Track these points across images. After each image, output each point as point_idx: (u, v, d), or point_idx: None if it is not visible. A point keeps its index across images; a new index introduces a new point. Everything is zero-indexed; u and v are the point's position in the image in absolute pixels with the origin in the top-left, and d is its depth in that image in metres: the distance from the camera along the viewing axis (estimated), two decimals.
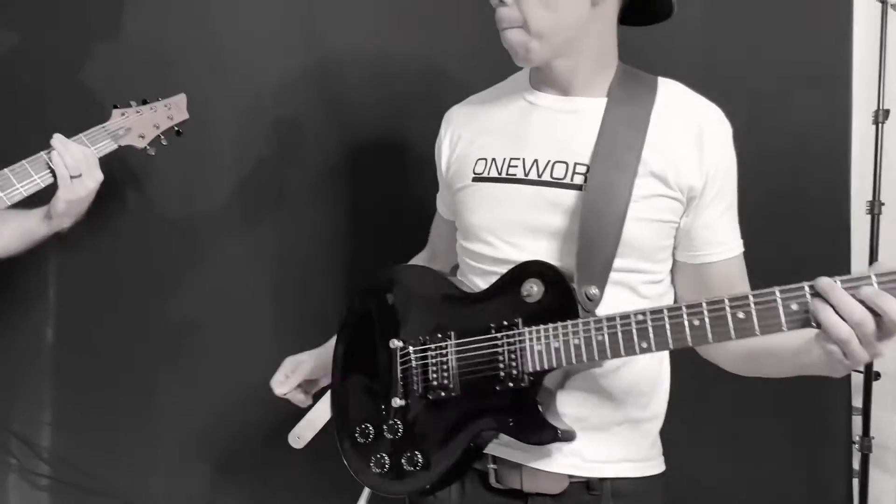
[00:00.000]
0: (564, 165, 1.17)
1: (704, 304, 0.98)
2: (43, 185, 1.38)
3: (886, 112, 1.88)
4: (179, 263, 1.96)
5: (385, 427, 1.23)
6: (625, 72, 1.23)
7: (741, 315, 0.95)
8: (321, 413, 1.44)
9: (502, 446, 1.19)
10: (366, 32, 1.87)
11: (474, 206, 1.25)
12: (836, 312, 0.91)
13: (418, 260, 1.51)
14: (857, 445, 1.88)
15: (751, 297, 0.94)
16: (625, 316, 1.03)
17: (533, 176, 1.19)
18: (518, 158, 1.21)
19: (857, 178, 1.87)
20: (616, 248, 1.13)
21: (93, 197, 1.41)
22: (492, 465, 1.20)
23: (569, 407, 1.16)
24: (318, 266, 1.95)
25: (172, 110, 1.54)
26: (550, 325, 1.10)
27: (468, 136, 1.30)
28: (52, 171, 1.37)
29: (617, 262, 1.14)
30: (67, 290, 1.97)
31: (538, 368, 1.10)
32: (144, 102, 1.53)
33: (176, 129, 1.56)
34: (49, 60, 1.88)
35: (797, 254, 1.78)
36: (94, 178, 1.39)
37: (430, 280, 1.29)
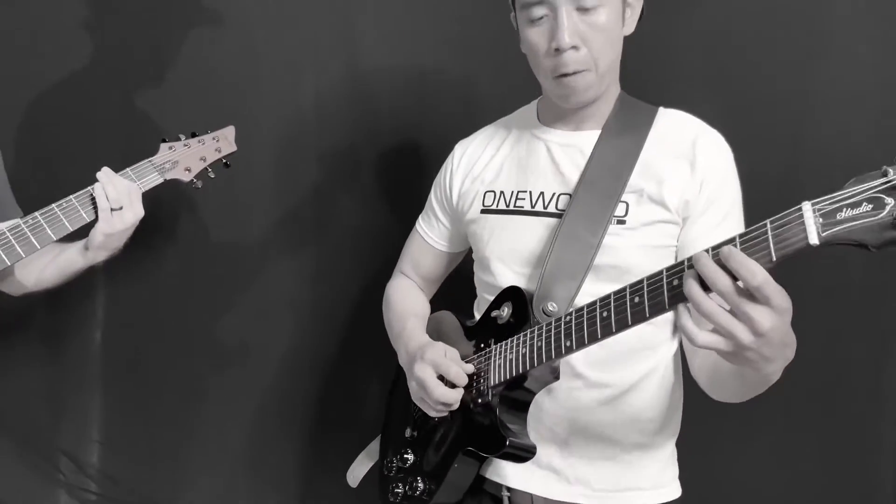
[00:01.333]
0: (568, 197, 1.21)
1: (612, 294, 0.98)
2: (88, 220, 1.38)
3: None
4: (223, 283, 1.98)
5: (398, 458, 1.32)
6: (624, 102, 1.25)
7: (636, 299, 0.93)
8: (372, 453, 1.46)
9: (515, 475, 1.22)
10: (403, 50, 1.87)
11: (486, 237, 1.28)
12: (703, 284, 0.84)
13: (412, 290, 1.50)
14: None
15: (645, 281, 0.92)
16: (557, 320, 1.08)
17: (539, 208, 1.23)
18: (525, 191, 1.25)
19: None
20: (586, 271, 1.16)
21: (131, 232, 1.41)
22: (506, 493, 1.23)
23: (574, 435, 1.19)
24: (356, 284, 1.95)
25: (220, 143, 1.52)
26: (507, 340, 1.16)
27: (477, 169, 1.34)
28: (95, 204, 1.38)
29: (603, 286, 1.12)
30: (114, 311, 1.99)
31: (500, 380, 1.15)
32: (194, 135, 1.51)
33: (224, 161, 1.54)
34: (96, 94, 1.90)
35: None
36: (134, 213, 1.38)
37: (448, 319, 1.38)
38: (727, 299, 0.81)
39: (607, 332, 0.98)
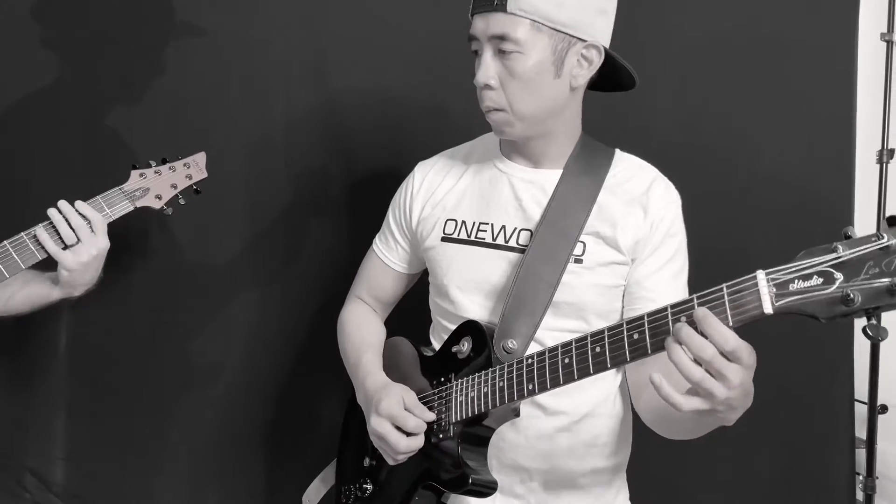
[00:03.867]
0: (529, 233, 1.25)
1: (574, 342, 1.01)
2: (40, 258, 1.36)
3: (891, 152, 1.89)
4: (188, 303, 1.95)
5: (356, 487, 1.35)
6: (584, 144, 1.29)
7: (598, 349, 0.96)
8: (328, 478, 1.48)
9: (474, 499, 1.23)
10: (372, 71, 1.88)
11: (446, 265, 1.31)
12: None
13: (367, 316, 1.50)
14: (860, 485, 1.90)
15: (606, 332, 0.95)
16: (520, 362, 1.10)
17: (500, 241, 1.26)
18: (487, 223, 1.28)
19: (861, 219, 1.88)
20: (546, 308, 1.20)
21: (98, 264, 1.38)
22: None
23: (534, 462, 1.24)
24: (328, 303, 1.86)
25: (191, 169, 1.51)
26: (469, 377, 1.18)
27: (439, 194, 1.36)
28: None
29: (561, 322, 1.21)
30: (79, 329, 1.96)
31: (461, 417, 1.17)
32: (164, 162, 1.49)
33: (194, 187, 1.52)
34: (64, 115, 1.87)
35: None
36: (95, 246, 1.35)
37: (405, 348, 1.40)
38: (712, 363, 0.84)
39: (569, 379, 1.02)
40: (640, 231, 1.21)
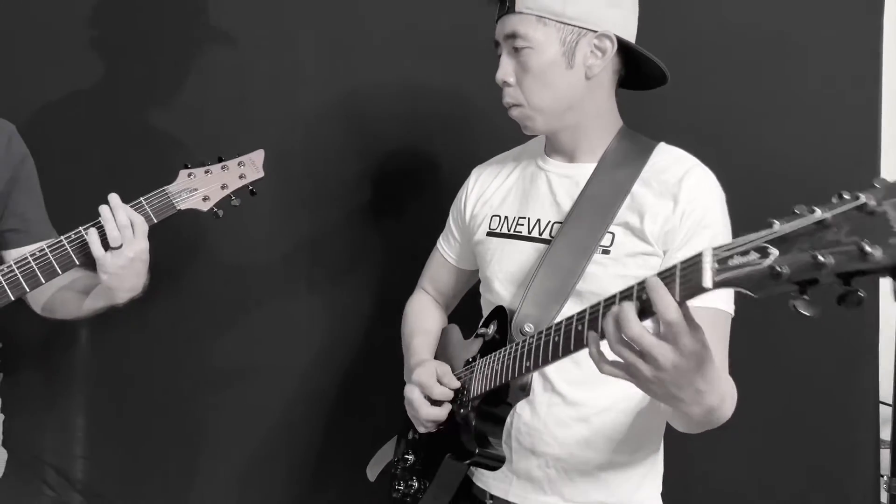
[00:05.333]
0: (560, 226, 1.28)
1: (563, 321, 1.02)
2: (77, 263, 1.32)
3: None
4: (210, 300, 1.99)
5: (402, 458, 1.43)
6: (624, 136, 1.31)
7: (580, 327, 0.98)
8: (387, 452, 1.55)
9: (497, 483, 1.31)
10: (397, 68, 1.90)
11: (489, 258, 1.38)
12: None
13: (428, 306, 1.58)
14: (885, 485, 1.85)
15: (587, 309, 0.96)
16: (524, 341, 1.13)
17: (535, 234, 1.31)
18: (525, 217, 1.34)
19: None
20: (567, 296, 1.22)
21: (141, 269, 1.33)
22: (489, 500, 1.32)
23: (550, 448, 1.26)
24: (349, 299, 1.99)
25: (246, 168, 1.43)
26: (488, 356, 1.24)
27: (488, 193, 1.43)
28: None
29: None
30: (100, 327, 1.99)
31: (478, 393, 1.23)
32: (220, 160, 1.42)
33: (250, 188, 1.44)
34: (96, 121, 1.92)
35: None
36: (132, 249, 1.29)
37: (454, 334, 1.47)
38: (640, 341, 0.86)
39: (556, 356, 1.03)
40: (669, 221, 1.20)
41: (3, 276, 1.30)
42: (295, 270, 1.99)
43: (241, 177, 1.43)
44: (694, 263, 0.80)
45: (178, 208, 1.38)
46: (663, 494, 1.35)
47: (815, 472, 1.84)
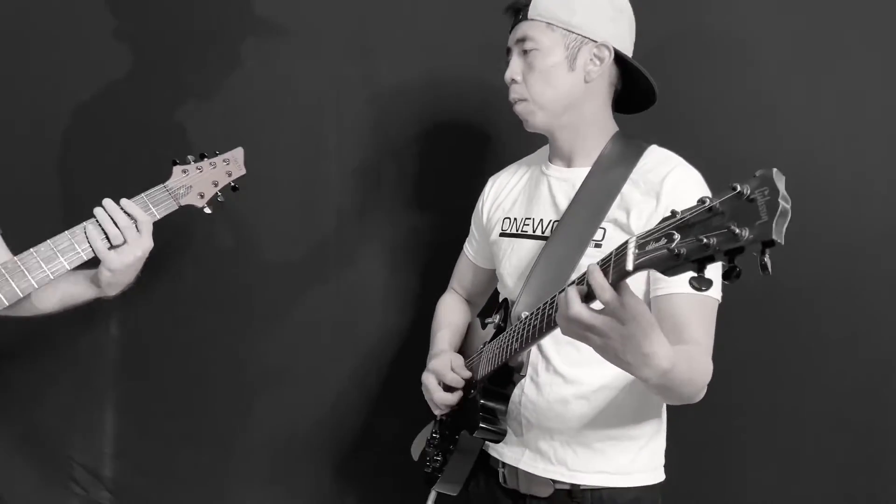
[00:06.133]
0: (557, 224, 1.42)
1: (543, 304, 1.16)
2: (86, 258, 1.31)
3: None
4: (238, 300, 2.04)
5: (432, 436, 1.59)
6: (617, 140, 1.45)
7: (550, 311, 1.11)
8: (425, 434, 1.68)
9: (510, 454, 1.45)
10: (422, 68, 1.96)
11: (501, 256, 1.53)
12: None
13: (455, 303, 1.73)
14: None
15: (558, 294, 1.07)
16: (516, 326, 1.27)
17: (538, 232, 1.45)
18: (530, 218, 1.48)
19: None
20: (563, 284, 1.29)
21: (140, 265, 1.34)
22: (501, 469, 1.47)
23: (553, 423, 1.39)
24: (378, 301, 2.05)
25: (231, 165, 1.46)
26: (491, 342, 1.39)
27: (501, 198, 1.59)
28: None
29: None
30: (128, 325, 2.04)
31: (482, 375, 1.39)
32: (202, 157, 1.45)
33: (233, 184, 1.48)
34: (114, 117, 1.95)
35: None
36: (140, 247, 1.31)
37: (478, 326, 1.64)
38: (580, 319, 1.00)
39: (535, 337, 1.18)
40: (652, 218, 1.30)
41: (7, 271, 1.28)
42: (329, 272, 2.03)
43: (227, 173, 1.47)
44: (623, 250, 0.93)
45: (180, 204, 1.41)
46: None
47: (870, 472, 1.76)
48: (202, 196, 1.44)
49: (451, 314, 1.70)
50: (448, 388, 1.46)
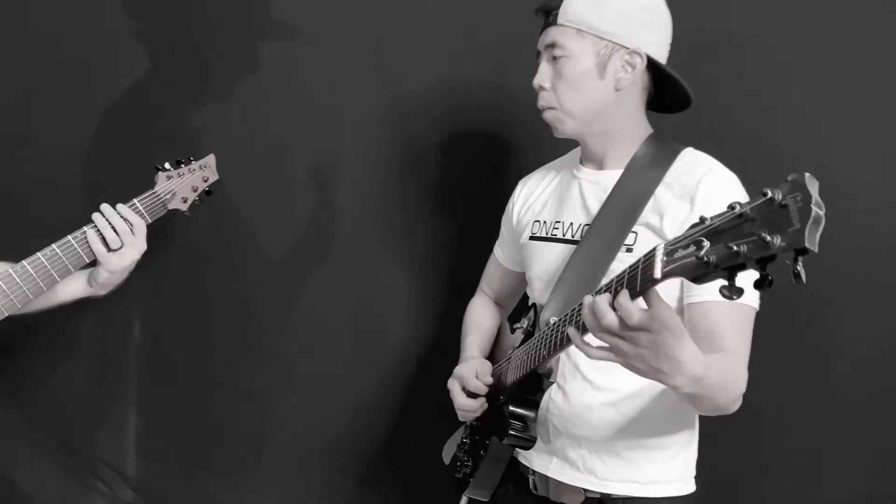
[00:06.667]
0: (588, 227, 1.39)
1: (572, 310, 1.12)
2: (88, 261, 1.39)
3: None
4: (263, 301, 2.05)
5: (463, 441, 1.58)
6: (651, 143, 1.41)
7: (578, 318, 1.06)
8: (456, 438, 1.67)
9: (539, 461, 1.42)
10: (438, 73, 1.95)
11: (531, 260, 1.50)
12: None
13: (485, 306, 1.72)
14: None
15: (584, 300, 1.03)
16: (544, 332, 1.24)
17: (568, 236, 1.43)
18: (560, 222, 1.46)
19: None
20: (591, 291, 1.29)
21: (133, 267, 1.41)
22: (531, 475, 1.45)
23: (581, 430, 1.36)
24: (390, 298, 2.04)
25: (206, 171, 1.55)
26: (520, 349, 1.37)
27: (531, 200, 1.56)
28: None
29: None
30: (151, 326, 2.07)
31: (510, 381, 1.37)
32: (179, 163, 1.52)
33: (207, 189, 1.56)
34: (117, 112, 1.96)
35: None
36: (137, 250, 1.39)
37: (505, 328, 1.64)
38: (612, 328, 0.97)
39: (564, 343, 1.15)
40: (686, 222, 1.23)
41: (19, 276, 1.35)
42: (354, 275, 2.03)
43: (204, 179, 1.56)
44: (651, 257, 0.91)
45: (168, 208, 1.49)
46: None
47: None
48: (185, 201, 1.53)
49: (480, 318, 1.69)
50: (471, 395, 1.45)
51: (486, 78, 1.92)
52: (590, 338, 1.03)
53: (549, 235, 1.47)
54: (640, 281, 0.92)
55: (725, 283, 0.80)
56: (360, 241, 2.04)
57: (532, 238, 1.51)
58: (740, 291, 0.79)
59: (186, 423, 2.11)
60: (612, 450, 1.35)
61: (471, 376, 1.45)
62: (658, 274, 0.88)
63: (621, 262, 1.30)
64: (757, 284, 0.77)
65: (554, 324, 1.21)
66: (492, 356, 1.61)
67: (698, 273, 0.82)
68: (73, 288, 1.46)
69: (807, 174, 0.73)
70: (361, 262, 2.05)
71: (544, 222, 1.49)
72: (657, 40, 1.38)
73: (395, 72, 1.98)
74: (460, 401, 1.45)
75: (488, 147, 1.97)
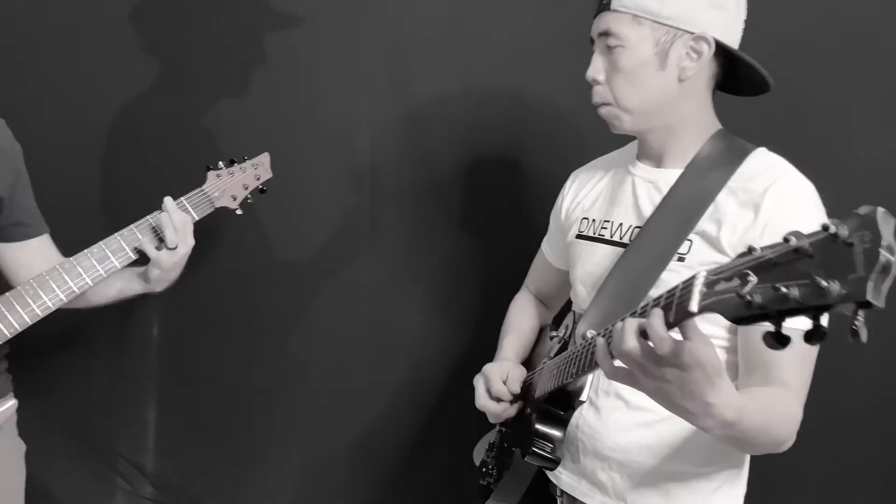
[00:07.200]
0: (639, 230, 1.26)
1: (606, 328, 1.00)
2: (134, 258, 1.40)
3: None
4: (279, 299, 2.02)
5: (490, 448, 1.51)
6: (717, 141, 1.24)
7: (609, 339, 0.95)
8: (487, 439, 1.59)
9: (568, 482, 1.31)
10: (456, 76, 1.88)
11: (575, 260, 1.38)
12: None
13: (528, 305, 1.61)
14: None
15: (619, 321, 0.93)
16: (576, 348, 1.15)
17: (616, 238, 1.29)
18: (609, 221, 1.32)
19: None
20: (636, 304, 1.17)
21: (184, 263, 1.42)
22: (559, 496, 1.34)
23: (613, 452, 1.24)
24: (409, 302, 2.00)
25: (259, 170, 1.56)
26: (552, 360, 1.26)
27: (581, 195, 1.43)
28: (160, 238, 1.40)
29: None
30: (170, 323, 2.06)
31: (540, 394, 1.27)
32: (232, 162, 1.54)
33: (261, 187, 1.58)
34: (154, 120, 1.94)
35: None
36: (186, 245, 1.40)
37: (545, 333, 1.54)
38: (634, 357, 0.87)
39: (595, 366, 1.02)
40: (749, 233, 1.12)
41: (64, 271, 1.36)
42: (383, 270, 2.00)
43: (256, 177, 1.57)
44: (689, 286, 0.78)
45: (215, 206, 1.51)
46: None
47: None
48: (234, 198, 1.55)
49: (520, 319, 1.58)
50: (494, 398, 1.35)
51: (504, 82, 1.85)
52: None
53: (596, 235, 1.34)
54: (674, 311, 0.80)
55: (771, 328, 0.67)
56: (380, 245, 2.00)
57: (579, 236, 1.38)
58: (786, 341, 0.66)
59: (205, 421, 2.11)
60: (645, 476, 1.22)
61: (497, 379, 1.34)
62: (695, 307, 0.75)
63: (673, 273, 1.16)
64: (807, 337, 0.64)
65: (590, 339, 1.08)
66: (529, 360, 1.50)
67: (738, 314, 0.70)
68: (131, 285, 1.48)
69: (880, 209, 0.60)
70: (380, 265, 2.00)
71: (593, 220, 1.36)
72: (728, 21, 1.20)
73: (416, 75, 1.90)
74: (481, 401, 1.35)
75: (508, 151, 1.89)
